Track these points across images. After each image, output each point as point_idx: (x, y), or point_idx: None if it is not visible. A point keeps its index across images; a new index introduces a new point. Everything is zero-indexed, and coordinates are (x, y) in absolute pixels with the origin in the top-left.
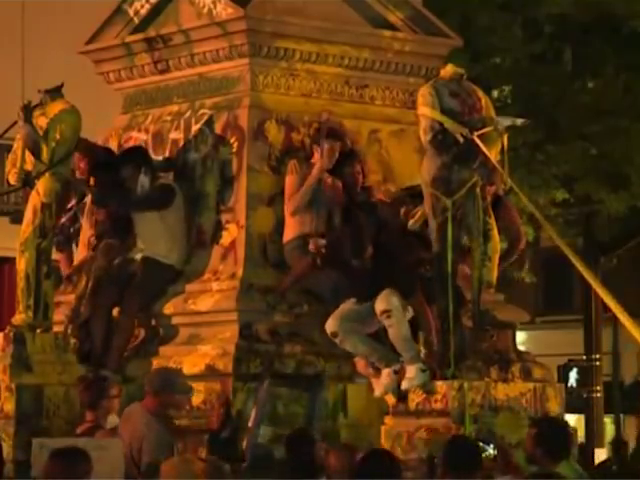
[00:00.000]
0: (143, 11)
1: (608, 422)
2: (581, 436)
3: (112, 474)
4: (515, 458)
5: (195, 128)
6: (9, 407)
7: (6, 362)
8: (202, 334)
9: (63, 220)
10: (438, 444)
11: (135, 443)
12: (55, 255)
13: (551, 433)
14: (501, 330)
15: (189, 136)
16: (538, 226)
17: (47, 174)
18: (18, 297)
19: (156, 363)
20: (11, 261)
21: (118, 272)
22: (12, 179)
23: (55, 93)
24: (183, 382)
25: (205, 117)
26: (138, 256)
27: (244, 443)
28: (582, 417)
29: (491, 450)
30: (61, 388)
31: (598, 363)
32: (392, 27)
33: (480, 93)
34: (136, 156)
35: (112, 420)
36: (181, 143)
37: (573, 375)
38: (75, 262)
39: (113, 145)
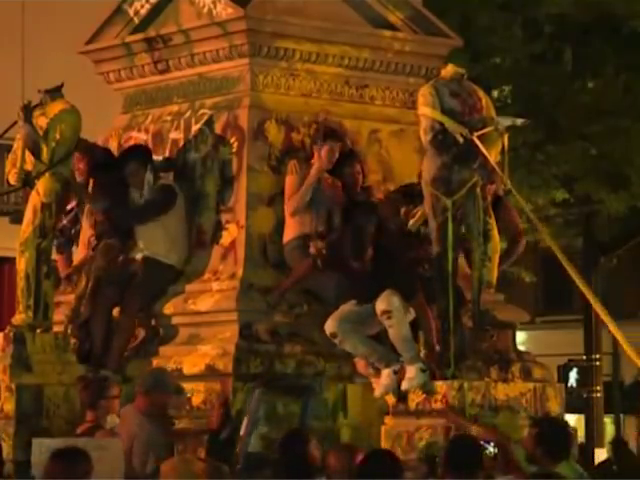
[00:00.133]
0: (143, 11)
1: (608, 422)
2: (581, 436)
3: (112, 474)
4: (516, 456)
5: (195, 128)
6: (9, 407)
7: (6, 362)
8: (202, 334)
9: (64, 222)
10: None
11: (128, 443)
12: (54, 256)
13: (552, 433)
14: (501, 330)
15: (189, 136)
16: (534, 228)
17: (47, 174)
18: (18, 297)
19: (156, 363)
20: (11, 261)
21: (118, 272)
22: (12, 179)
23: (55, 93)
24: (174, 383)
25: (205, 117)
26: (138, 256)
27: (237, 450)
28: (582, 417)
29: (491, 448)
30: (61, 388)
31: (598, 363)
32: (392, 27)
33: (481, 93)
34: (141, 154)
35: (112, 420)
36: (181, 143)
37: (573, 375)
38: (75, 262)
39: (113, 145)
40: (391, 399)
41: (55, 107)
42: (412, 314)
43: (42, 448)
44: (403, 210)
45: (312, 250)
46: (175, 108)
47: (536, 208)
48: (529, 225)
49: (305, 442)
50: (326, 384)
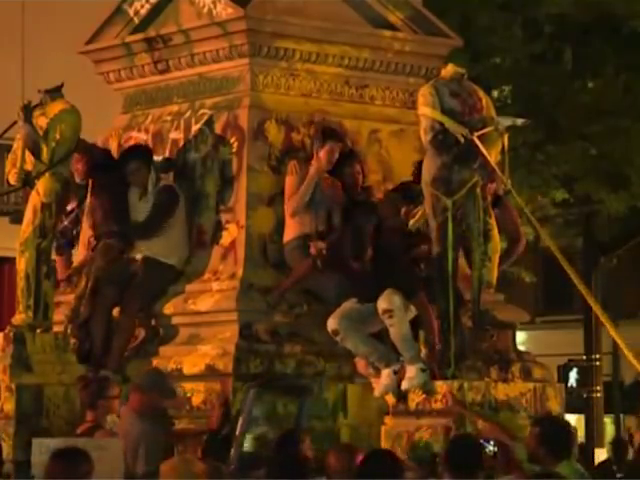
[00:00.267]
0: (143, 11)
1: (608, 422)
2: (581, 436)
3: (112, 474)
4: (516, 455)
5: (195, 128)
6: (9, 407)
7: (6, 362)
8: (202, 334)
9: (65, 223)
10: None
11: (124, 442)
12: (53, 257)
13: (553, 432)
14: (501, 330)
15: (189, 136)
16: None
17: (47, 174)
18: (18, 297)
19: (156, 363)
20: (11, 261)
21: (118, 272)
22: (12, 179)
23: (55, 93)
24: (169, 383)
25: (205, 117)
26: (138, 256)
27: (232, 451)
28: (582, 417)
29: (491, 447)
30: (61, 388)
31: (598, 363)
32: (392, 27)
33: (481, 93)
34: (141, 153)
35: (112, 420)
36: (181, 143)
37: (573, 375)
38: (75, 263)
39: (113, 145)
40: (391, 399)
41: (55, 107)
42: (413, 312)
43: (42, 448)
44: (403, 210)
45: (312, 250)
46: (175, 108)
47: (536, 209)
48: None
49: (298, 443)
50: (326, 384)
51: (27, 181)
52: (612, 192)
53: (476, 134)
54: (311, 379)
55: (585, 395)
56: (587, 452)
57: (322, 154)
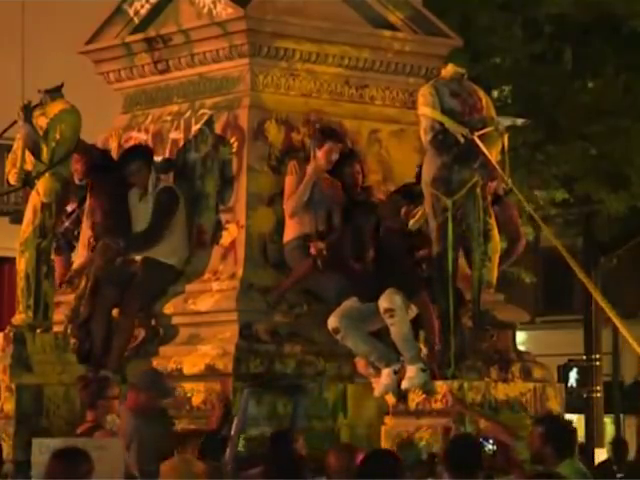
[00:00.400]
0: (143, 11)
1: (608, 422)
2: (581, 436)
3: (112, 474)
4: (517, 454)
5: (195, 128)
6: (9, 407)
7: (6, 362)
8: (202, 334)
9: (67, 224)
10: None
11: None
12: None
13: (556, 431)
14: (501, 330)
15: (189, 136)
16: (538, 226)
17: (47, 174)
18: (18, 297)
19: (156, 363)
20: (11, 261)
21: (118, 272)
22: (12, 179)
23: (55, 93)
24: (165, 384)
25: (205, 117)
26: (138, 256)
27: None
28: (582, 417)
29: (490, 446)
30: (61, 388)
31: (598, 363)
32: (392, 27)
33: (481, 93)
34: (142, 153)
35: (112, 420)
36: (181, 143)
37: (573, 375)
38: (75, 263)
39: (113, 145)
40: (391, 399)
41: (55, 107)
42: (414, 312)
43: (42, 448)
44: (403, 210)
45: (312, 250)
46: (175, 108)
47: (536, 207)
48: (530, 224)
49: (291, 442)
50: (326, 384)
51: (27, 181)
52: (612, 192)
53: (476, 134)
54: (307, 379)
55: (585, 395)
56: (587, 452)
57: (320, 154)
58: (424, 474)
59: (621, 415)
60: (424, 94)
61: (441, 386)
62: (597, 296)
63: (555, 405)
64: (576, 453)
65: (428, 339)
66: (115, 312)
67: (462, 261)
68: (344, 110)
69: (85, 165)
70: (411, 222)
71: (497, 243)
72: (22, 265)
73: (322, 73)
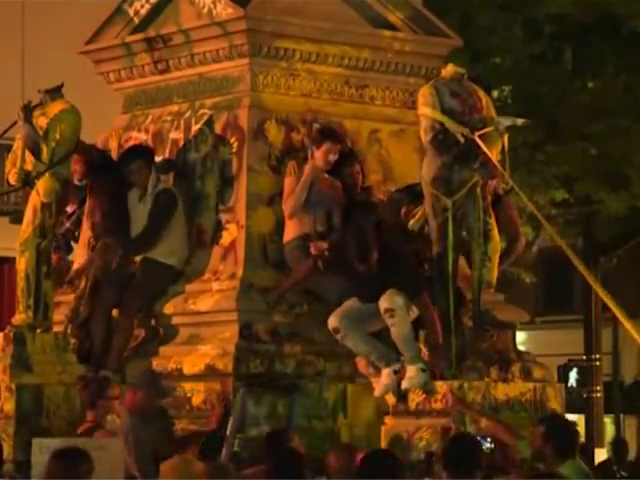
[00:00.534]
0: (143, 11)
1: (608, 422)
2: (581, 436)
3: (112, 474)
4: (518, 453)
5: (195, 128)
6: (9, 407)
7: (6, 362)
8: (202, 334)
9: (67, 225)
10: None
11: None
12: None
13: (558, 431)
14: (501, 330)
15: (189, 136)
16: (539, 226)
17: (47, 174)
18: (18, 297)
19: (156, 363)
20: (11, 261)
21: (118, 273)
22: (12, 179)
23: (55, 93)
24: (162, 383)
25: (205, 117)
26: (138, 257)
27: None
28: (582, 417)
29: (488, 444)
30: (61, 388)
31: (598, 363)
32: (392, 27)
33: (481, 93)
34: (142, 153)
35: (112, 420)
36: (181, 143)
37: (573, 375)
38: (75, 263)
39: (113, 145)
40: (391, 399)
41: (55, 107)
42: (415, 313)
43: (42, 448)
44: (403, 210)
45: (312, 250)
46: (175, 108)
47: (536, 208)
48: (530, 224)
49: (286, 441)
50: (326, 384)
51: (27, 181)
52: (612, 192)
53: (477, 134)
54: (307, 379)
55: (585, 395)
56: (587, 452)
57: (318, 154)
58: (422, 474)
59: (621, 415)
60: (424, 94)
61: (441, 386)
62: (599, 290)
63: (555, 405)
64: (578, 454)
65: (429, 340)
66: (115, 312)
67: (462, 261)
68: (344, 110)
69: (84, 165)
70: (411, 222)
71: (497, 243)
72: (22, 265)
73: (322, 73)
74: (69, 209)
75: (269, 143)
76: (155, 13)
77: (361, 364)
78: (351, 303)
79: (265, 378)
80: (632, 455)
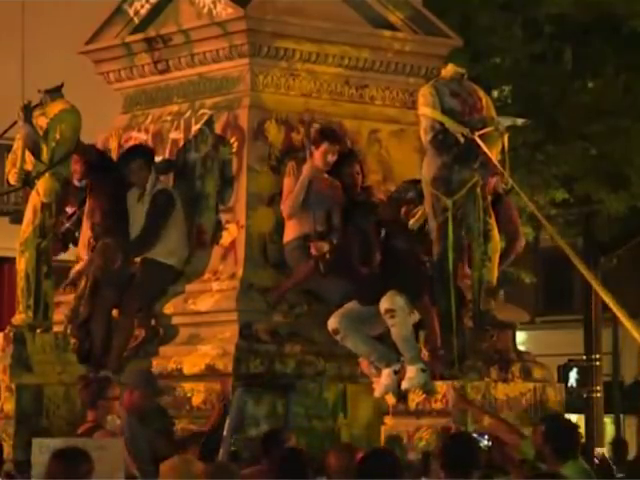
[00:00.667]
0: (143, 11)
1: (608, 422)
2: (582, 436)
3: (112, 474)
4: (512, 451)
5: (195, 128)
6: (9, 407)
7: (6, 362)
8: (202, 334)
9: (67, 225)
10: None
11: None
12: None
13: (556, 431)
14: (501, 330)
15: (189, 136)
16: (539, 226)
17: (47, 174)
18: (18, 297)
19: (156, 363)
20: (11, 261)
21: (118, 273)
22: (12, 179)
23: (55, 93)
24: (157, 384)
25: (205, 117)
26: (137, 257)
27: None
28: (582, 417)
29: (485, 441)
30: (61, 388)
31: (598, 363)
32: (392, 27)
33: (481, 93)
34: (142, 152)
35: (112, 420)
36: (181, 143)
37: (573, 375)
38: (76, 264)
39: (113, 145)
40: (391, 399)
41: (55, 107)
42: (416, 316)
43: (42, 448)
44: (403, 210)
45: (313, 251)
46: (175, 108)
47: (536, 208)
48: (530, 224)
49: (282, 441)
50: (326, 384)
51: (27, 181)
52: (612, 192)
53: (477, 134)
54: (307, 379)
55: (585, 395)
56: (587, 452)
57: (317, 155)
58: (419, 473)
59: (621, 415)
60: (424, 94)
61: (441, 386)
62: (599, 289)
63: (555, 405)
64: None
65: (429, 340)
66: (115, 312)
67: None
68: (344, 110)
69: (84, 165)
70: (411, 222)
71: (497, 243)
72: (22, 265)
73: (322, 73)
74: (69, 209)
75: (269, 143)
76: (155, 13)
77: (364, 364)
78: (351, 305)
79: (263, 378)
80: (632, 455)
